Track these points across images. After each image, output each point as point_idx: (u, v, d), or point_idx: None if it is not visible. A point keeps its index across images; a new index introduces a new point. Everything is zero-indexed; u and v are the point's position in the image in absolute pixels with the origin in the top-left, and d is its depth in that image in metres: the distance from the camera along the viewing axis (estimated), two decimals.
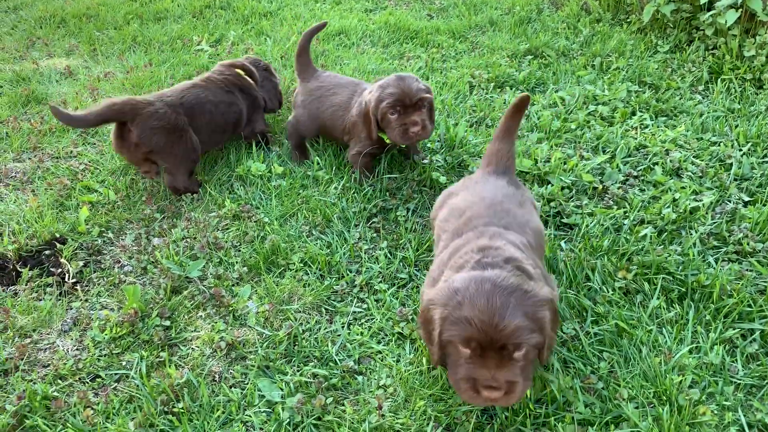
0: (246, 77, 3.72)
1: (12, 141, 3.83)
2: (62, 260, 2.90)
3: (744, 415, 2.14)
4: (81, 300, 2.71)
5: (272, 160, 3.58)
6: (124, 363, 2.40)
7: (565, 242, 2.91)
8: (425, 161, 3.46)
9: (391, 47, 5.13)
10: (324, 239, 3.00)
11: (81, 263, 2.89)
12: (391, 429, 2.11)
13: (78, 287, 2.78)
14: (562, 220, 3.06)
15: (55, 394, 2.27)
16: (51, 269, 2.86)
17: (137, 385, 2.29)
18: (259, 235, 3.00)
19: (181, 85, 3.48)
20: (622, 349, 2.37)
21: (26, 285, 2.77)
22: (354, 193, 3.27)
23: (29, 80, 4.69)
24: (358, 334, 2.51)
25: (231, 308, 2.62)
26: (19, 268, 2.86)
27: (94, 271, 2.87)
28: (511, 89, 4.36)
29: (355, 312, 2.63)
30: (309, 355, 2.43)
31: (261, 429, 2.14)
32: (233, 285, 2.76)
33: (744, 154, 3.50)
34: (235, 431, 2.13)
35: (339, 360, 2.40)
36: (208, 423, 2.15)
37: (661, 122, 3.90)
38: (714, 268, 2.71)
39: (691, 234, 2.91)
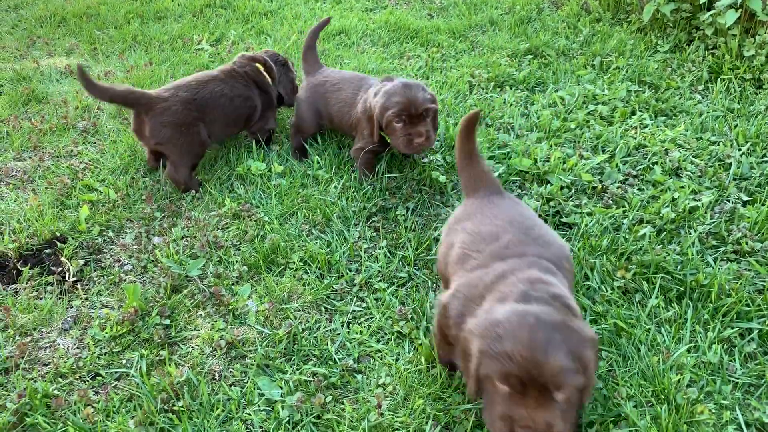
0: (264, 73, 3.75)
1: (12, 140, 3.84)
2: (63, 259, 2.91)
3: (742, 414, 2.14)
4: (81, 298, 2.72)
5: (272, 159, 3.59)
6: (124, 361, 2.41)
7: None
8: (425, 160, 3.46)
9: (391, 46, 5.14)
10: (324, 238, 3.00)
11: (81, 262, 2.89)
12: (390, 427, 2.12)
13: (78, 286, 2.78)
14: (561, 220, 3.07)
15: (56, 392, 2.28)
16: (51, 268, 2.87)
17: (137, 384, 2.30)
18: (259, 234, 3.01)
19: (202, 75, 3.55)
20: (620, 348, 2.38)
21: (27, 283, 2.78)
22: (354, 192, 3.27)
23: (30, 79, 4.69)
24: (357, 333, 2.51)
25: (231, 307, 2.63)
26: (19, 267, 2.87)
27: (95, 270, 2.88)
28: (511, 89, 4.36)
29: (354, 311, 2.64)
30: (308, 353, 2.44)
31: (260, 427, 2.15)
32: (233, 284, 2.77)
33: (743, 153, 3.51)
34: (234, 429, 2.13)
35: (338, 359, 2.41)
36: (207, 421, 2.16)
37: (660, 122, 3.90)
38: (713, 268, 2.72)
39: (690, 233, 2.92)
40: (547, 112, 3.97)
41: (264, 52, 3.94)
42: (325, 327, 2.56)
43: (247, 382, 2.32)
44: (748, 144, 3.57)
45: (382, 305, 2.63)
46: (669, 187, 3.24)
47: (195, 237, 3.01)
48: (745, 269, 2.73)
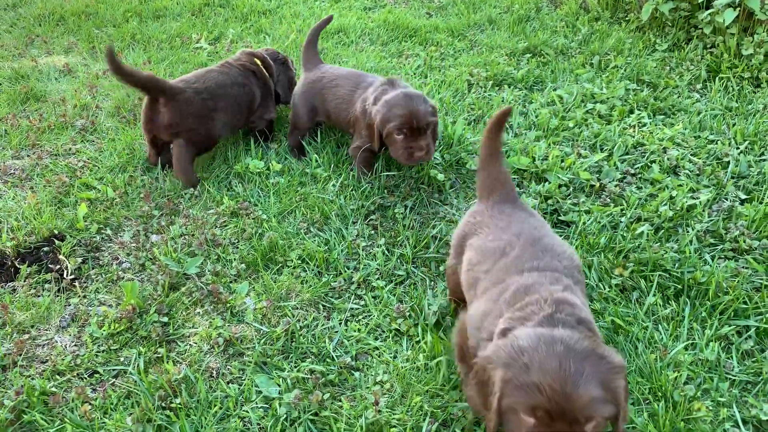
0: (262, 68, 3.79)
1: (11, 138, 3.84)
2: (61, 257, 2.91)
3: (739, 411, 2.15)
4: (79, 296, 2.72)
5: (270, 157, 3.59)
6: (122, 359, 2.41)
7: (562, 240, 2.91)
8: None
9: (390, 45, 5.14)
10: (322, 236, 3.01)
11: (79, 260, 2.89)
12: (387, 424, 2.12)
13: (76, 283, 2.78)
14: (559, 218, 3.07)
15: (53, 389, 2.28)
16: (49, 266, 2.87)
17: (135, 381, 2.30)
18: (257, 232, 3.01)
19: (201, 70, 3.61)
20: (618, 345, 2.38)
21: (25, 281, 2.78)
22: (352, 190, 3.27)
23: (28, 78, 4.69)
24: (355, 331, 2.51)
25: (229, 305, 2.63)
26: (17, 265, 2.87)
27: (93, 268, 2.88)
28: (510, 87, 4.36)
29: (352, 309, 2.64)
30: (306, 351, 2.44)
31: (258, 424, 2.15)
32: (231, 282, 2.77)
33: (741, 152, 3.51)
34: (232, 427, 2.14)
35: (336, 356, 2.41)
36: (205, 418, 2.16)
37: (658, 120, 3.91)
38: (710, 266, 2.72)
39: (688, 231, 2.92)
40: (545, 110, 3.97)
41: (264, 50, 3.99)
42: (323, 325, 2.56)
43: (244, 379, 2.32)
44: (746, 142, 3.58)
45: (380, 303, 2.64)
46: (667, 186, 3.24)
47: (193, 235, 3.01)
48: (743, 267, 2.73)
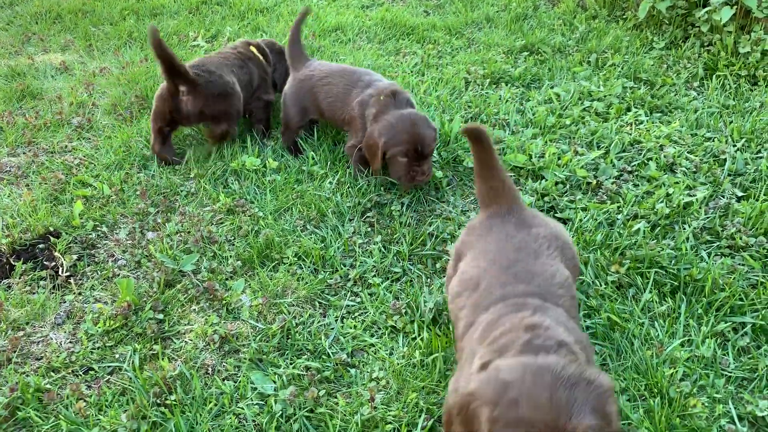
0: (258, 54, 3.87)
1: (7, 135, 3.83)
2: (56, 254, 2.90)
3: (734, 407, 2.15)
4: (74, 293, 2.71)
5: (267, 154, 3.58)
6: (117, 356, 2.40)
7: None
8: None
9: (388, 43, 5.13)
10: (318, 233, 3.00)
11: (75, 257, 2.88)
12: (383, 421, 2.12)
13: (72, 281, 2.78)
14: (556, 215, 3.07)
15: (48, 386, 2.27)
16: (45, 263, 2.87)
17: (130, 378, 2.29)
18: (254, 230, 3.01)
19: (198, 59, 3.67)
20: (614, 342, 2.38)
21: (20, 278, 2.77)
22: (349, 187, 3.27)
23: (24, 75, 4.68)
24: (351, 328, 2.51)
25: (224, 302, 2.63)
26: (12, 262, 2.86)
27: (88, 265, 2.87)
28: (507, 85, 4.36)
29: (348, 305, 2.64)
30: (302, 348, 2.44)
31: (253, 421, 2.14)
32: (227, 279, 2.76)
33: (738, 149, 3.51)
34: (227, 423, 2.13)
35: (332, 353, 2.40)
36: (200, 415, 2.16)
37: (655, 118, 3.90)
38: (706, 263, 2.72)
39: (685, 228, 2.92)
40: (542, 108, 3.97)
41: (261, 40, 4.09)
42: (318, 321, 2.56)
43: (240, 376, 2.32)
44: (743, 140, 3.58)
45: (376, 300, 2.63)
46: (664, 183, 3.24)
47: (189, 232, 3.01)
48: (739, 264, 2.74)
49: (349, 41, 5.18)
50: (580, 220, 2.97)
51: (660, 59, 4.62)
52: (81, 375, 2.34)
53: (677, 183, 3.22)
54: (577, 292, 2.58)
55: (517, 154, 3.42)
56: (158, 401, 2.20)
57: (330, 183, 3.30)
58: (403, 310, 2.55)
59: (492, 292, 1.90)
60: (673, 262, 2.71)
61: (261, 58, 3.89)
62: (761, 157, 3.44)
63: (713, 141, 3.62)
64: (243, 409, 2.18)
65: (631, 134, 3.68)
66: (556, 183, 3.26)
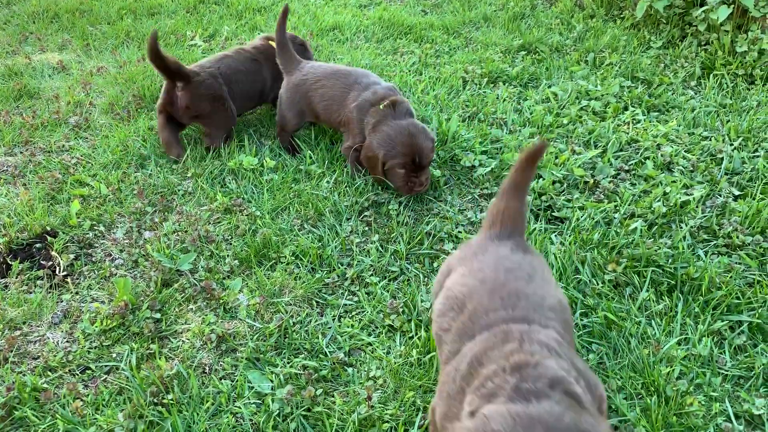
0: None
1: (4, 135, 3.82)
2: (53, 253, 2.90)
3: (731, 406, 2.15)
4: (71, 293, 2.71)
5: (264, 153, 3.58)
6: (114, 355, 2.40)
7: (555, 235, 2.92)
8: None
9: (385, 42, 5.13)
10: (315, 233, 3.00)
11: (72, 256, 2.88)
12: (380, 420, 2.12)
13: (69, 280, 2.77)
14: (553, 214, 3.07)
15: (45, 385, 2.27)
16: (42, 262, 2.86)
17: (127, 377, 2.29)
18: (251, 229, 3.00)
19: (218, 54, 3.82)
20: (611, 340, 2.38)
21: (17, 278, 2.77)
22: (346, 187, 3.27)
23: (22, 74, 4.67)
24: (348, 327, 2.51)
25: (222, 301, 2.62)
26: (9, 261, 2.86)
27: (85, 264, 2.87)
28: (504, 84, 4.36)
29: (345, 304, 2.64)
30: (299, 347, 2.44)
31: (250, 420, 2.14)
32: (224, 278, 2.76)
33: (735, 148, 3.52)
34: (224, 422, 2.13)
35: (329, 352, 2.40)
36: (197, 414, 2.16)
37: (653, 117, 3.91)
38: (703, 261, 2.72)
39: (681, 227, 2.92)
40: (540, 107, 3.97)
41: None
42: (316, 321, 2.56)
43: (237, 375, 2.31)
44: (740, 139, 3.58)
45: (374, 299, 2.63)
46: (661, 182, 3.24)
47: (186, 231, 3.00)
48: (736, 262, 2.74)
49: (346, 40, 5.18)
50: (577, 219, 2.98)
51: (657, 58, 4.63)
52: (78, 374, 2.34)
53: (674, 182, 3.23)
54: (575, 290, 2.58)
55: (514, 153, 3.42)
56: (155, 400, 2.20)
57: (327, 182, 3.30)
58: (401, 309, 2.55)
59: (478, 318, 1.79)
60: (670, 260, 2.71)
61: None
62: (758, 156, 3.44)
63: (710, 140, 3.62)
64: (240, 408, 2.18)
65: (628, 133, 3.69)
66: (554, 182, 3.26)
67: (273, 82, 3.88)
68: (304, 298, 2.66)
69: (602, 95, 4.12)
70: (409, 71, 4.58)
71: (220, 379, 2.31)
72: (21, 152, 3.71)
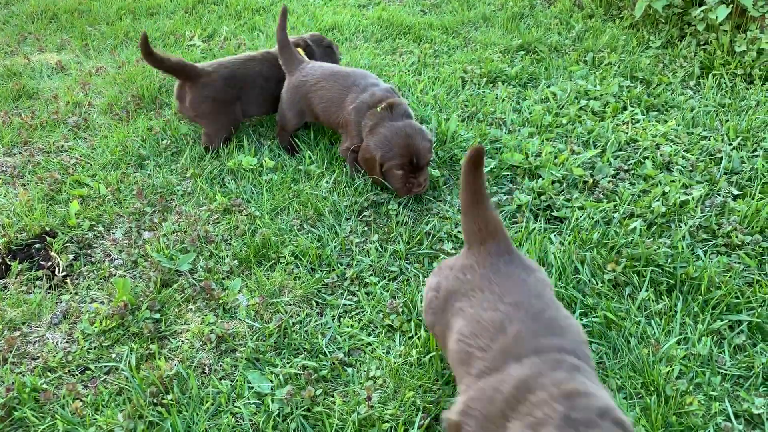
0: (304, 56, 3.87)
1: (2, 135, 3.82)
2: (52, 254, 2.90)
3: (731, 405, 2.15)
4: (71, 293, 2.71)
5: (264, 154, 3.58)
6: (113, 355, 2.40)
7: (554, 235, 2.92)
8: None
9: (384, 42, 5.13)
10: (315, 233, 3.00)
11: (71, 257, 2.88)
12: (380, 420, 2.12)
13: (68, 280, 2.77)
14: (552, 214, 3.07)
15: (44, 386, 2.27)
16: (41, 263, 2.86)
17: (127, 378, 2.29)
18: (250, 229, 3.00)
19: (243, 55, 3.81)
20: (610, 340, 2.38)
21: (16, 278, 2.77)
22: (345, 187, 3.27)
23: (20, 75, 4.67)
24: (348, 327, 2.51)
25: (221, 301, 2.62)
26: (8, 262, 2.85)
27: (85, 265, 2.86)
28: (503, 84, 4.37)
29: (345, 304, 2.63)
30: (299, 347, 2.44)
31: (250, 420, 2.14)
32: (224, 278, 2.76)
33: (734, 148, 3.52)
34: (224, 422, 2.13)
35: (329, 352, 2.40)
36: (197, 414, 2.15)
37: (652, 117, 3.91)
38: (703, 261, 2.72)
39: (681, 227, 2.93)
40: (539, 107, 3.97)
41: (310, 35, 4.11)
42: (315, 321, 2.56)
43: (237, 375, 2.31)
44: (739, 139, 3.58)
45: (373, 299, 2.63)
46: (660, 182, 3.25)
47: (185, 232, 3.00)
48: (735, 262, 2.74)
49: (345, 40, 5.18)
50: (577, 219, 2.98)
51: (656, 58, 4.63)
52: (77, 375, 2.34)
53: (673, 181, 3.23)
54: (574, 290, 2.59)
55: (513, 153, 3.42)
56: (155, 401, 2.20)
57: (327, 182, 3.30)
58: (400, 309, 2.55)
59: (524, 340, 1.75)
60: (669, 260, 2.72)
61: (306, 59, 3.87)
62: (757, 156, 3.45)
63: (709, 140, 3.62)
64: (240, 408, 2.18)
65: (627, 133, 3.69)
66: (553, 182, 3.27)
67: None
68: (304, 298, 2.66)
69: (601, 95, 4.13)
70: (408, 71, 4.58)
71: (220, 379, 2.31)
72: (20, 153, 3.70)
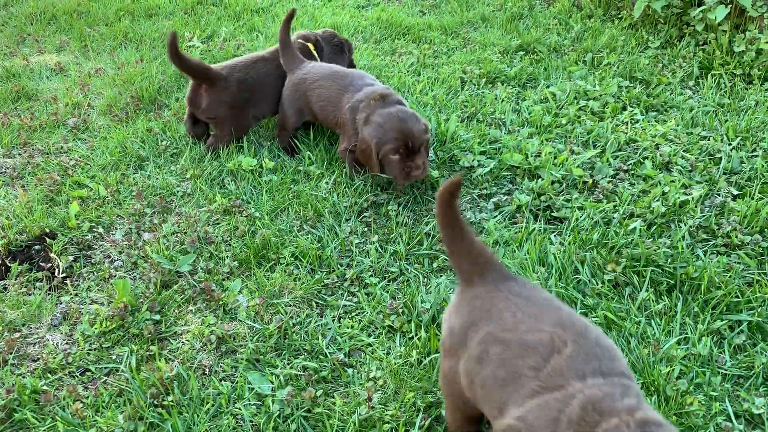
0: (314, 52, 3.89)
1: (2, 137, 3.82)
2: (52, 255, 2.89)
3: (731, 405, 2.15)
4: (71, 294, 2.70)
5: (263, 155, 3.58)
6: (113, 357, 2.40)
7: (554, 235, 2.92)
8: None
9: (383, 43, 5.14)
10: (315, 233, 3.00)
11: (71, 258, 2.88)
12: (380, 421, 2.12)
13: (68, 282, 2.77)
14: (552, 214, 3.07)
15: (45, 387, 2.27)
16: (41, 264, 2.86)
17: (127, 379, 2.29)
18: (250, 230, 3.00)
19: (252, 56, 3.79)
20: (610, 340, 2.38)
21: (16, 280, 2.76)
22: (345, 187, 3.27)
23: (20, 76, 4.66)
24: (348, 327, 2.51)
25: (221, 302, 2.62)
26: (8, 263, 2.85)
27: (84, 266, 2.86)
28: (503, 85, 4.37)
29: (345, 305, 2.63)
30: (299, 348, 2.44)
31: (251, 421, 2.14)
32: (224, 279, 2.76)
33: (733, 148, 3.52)
34: (224, 424, 2.13)
35: (329, 353, 2.40)
36: (197, 416, 2.15)
37: (651, 117, 3.92)
38: (702, 261, 2.73)
39: (680, 227, 2.93)
40: (538, 107, 3.98)
41: (322, 31, 4.10)
42: (316, 322, 2.55)
43: (237, 376, 2.31)
44: (738, 138, 3.59)
45: (374, 300, 2.63)
46: (659, 182, 3.25)
47: (185, 233, 3.00)
48: (735, 262, 2.75)
49: None
50: (577, 219, 2.98)
51: (655, 58, 4.64)
52: (78, 376, 2.34)
53: (673, 182, 3.23)
54: (574, 290, 2.59)
55: (513, 154, 3.42)
56: (155, 402, 2.20)
57: (326, 183, 3.30)
58: (400, 310, 2.55)
59: (582, 360, 1.67)
60: (669, 260, 2.72)
61: (316, 55, 3.89)
62: (756, 156, 3.45)
63: (709, 140, 3.63)
64: (240, 409, 2.17)
65: (626, 133, 3.69)
66: (553, 182, 3.27)
67: None
68: (304, 299, 2.66)
69: (600, 95, 4.13)
70: (408, 72, 4.58)
71: (220, 380, 2.31)
72: (19, 154, 3.70)
